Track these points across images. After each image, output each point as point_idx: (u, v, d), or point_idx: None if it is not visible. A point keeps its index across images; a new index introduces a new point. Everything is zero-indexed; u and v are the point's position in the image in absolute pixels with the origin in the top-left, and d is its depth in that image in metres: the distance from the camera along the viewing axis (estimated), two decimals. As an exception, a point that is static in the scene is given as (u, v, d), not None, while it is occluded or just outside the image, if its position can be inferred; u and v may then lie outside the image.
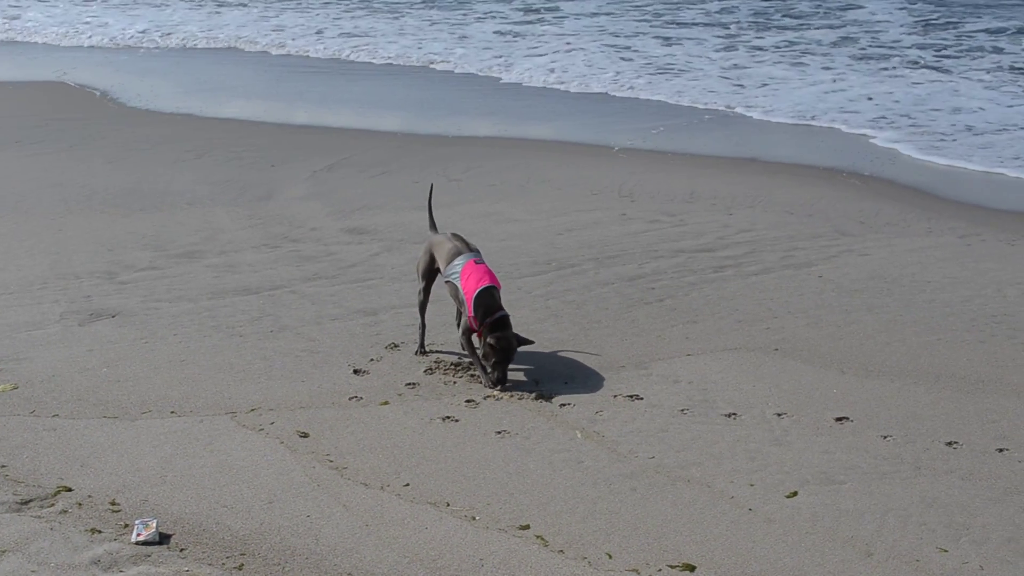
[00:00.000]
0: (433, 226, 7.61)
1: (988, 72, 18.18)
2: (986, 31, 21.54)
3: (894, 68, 18.86)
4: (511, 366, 6.76)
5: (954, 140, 14.22)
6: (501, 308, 6.76)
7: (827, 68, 18.95)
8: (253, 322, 7.78)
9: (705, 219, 10.69)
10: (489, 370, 6.70)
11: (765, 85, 17.85)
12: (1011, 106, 15.88)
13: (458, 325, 7.17)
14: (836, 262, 9.27)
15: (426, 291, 7.31)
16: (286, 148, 14.32)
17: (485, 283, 6.76)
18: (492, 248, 9.60)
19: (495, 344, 6.62)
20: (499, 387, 6.65)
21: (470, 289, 6.76)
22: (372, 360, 7.09)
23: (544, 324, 7.77)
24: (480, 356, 6.83)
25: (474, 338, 6.87)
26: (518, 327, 7.58)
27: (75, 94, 19.27)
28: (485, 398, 6.53)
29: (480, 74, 19.46)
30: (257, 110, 17.25)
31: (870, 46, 20.80)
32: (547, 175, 12.71)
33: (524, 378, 6.83)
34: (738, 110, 16.35)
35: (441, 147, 14.35)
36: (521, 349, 6.81)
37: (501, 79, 18.98)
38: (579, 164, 13.30)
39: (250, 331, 7.61)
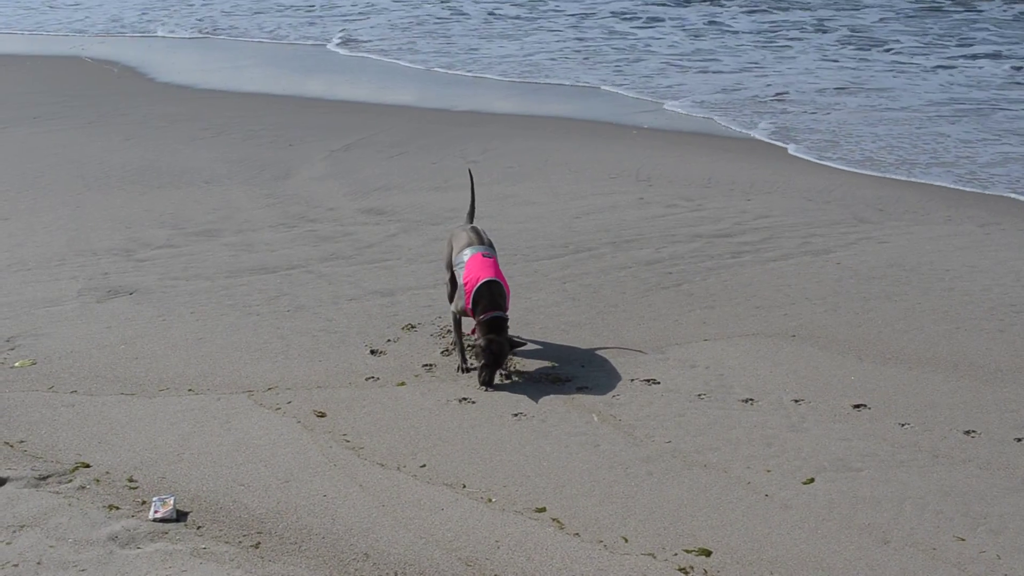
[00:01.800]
0: (470, 218, 7.44)
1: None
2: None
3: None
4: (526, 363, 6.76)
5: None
6: (500, 308, 6.58)
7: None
8: (270, 301, 7.79)
9: (723, 204, 10.65)
10: (479, 370, 6.52)
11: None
12: None
13: (450, 300, 7.11)
14: (854, 249, 9.22)
15: (453, 282, 7.11)
16: (303, 127, 14.32)
17: (489, 276, 6.61)
18: (509, 231, 9.60)
19: (487, 347, 6.45)
20: (484, 387, 6.49)
21: (472, 279, 6.61)
22: (389, 341, 7.10)
23: (561, 307, 7.76)
24: (462, 340, 6.76)
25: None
26: (535, 309, 7.60)
27: (92, 70, 19.30)
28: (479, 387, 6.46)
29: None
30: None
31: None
32: (564, 158, 12.68)
33: (541, 361, 6.81)
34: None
35: (458, 128, 14.33)
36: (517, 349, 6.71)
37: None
38: (596, 147, 13.26)
39: (267, 310, 7.61)
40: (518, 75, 18.35)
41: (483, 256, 6.76)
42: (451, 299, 7.10)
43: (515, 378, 6.56)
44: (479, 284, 6.56)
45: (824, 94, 16.35)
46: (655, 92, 16.86)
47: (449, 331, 7.12)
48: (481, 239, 6.98)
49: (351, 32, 23.15)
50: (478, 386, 6.49)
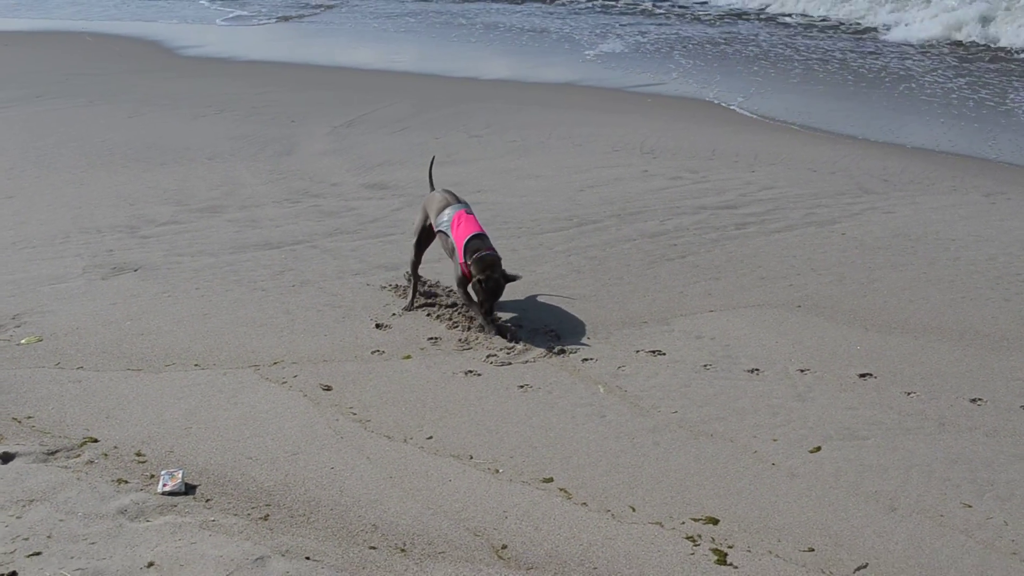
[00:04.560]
0: (432, 186, 7.70)
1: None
2: None
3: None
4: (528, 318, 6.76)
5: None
6: (492, 249, 6.83)
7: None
8: (275, 276, 7.78)
9: (727, 176, 10.62)
10: (479, 305, 6.76)
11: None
12: None
13: (412, 268, 7.33)
14: (859, 219, 9.21)
15: (418, 247, 7.32)
16: (305, 104, 14.30)
17: (475, 230, 6.87)
18: (513, 204, 9.59)
19: (483, 283, 6.68)
20: (489, 322, 6.78)
21: (461, 236, 6.86)
22: (394, 315, 7.09)
23: (566, 280, 7.75)
24: (478, 307, 6.88)
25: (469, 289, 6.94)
26: (540, 282, 7.61)
27: (94, 48, 19.25)
28: (501, 349, 6.51)
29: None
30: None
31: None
32: (568, 131, 12.65)
33: (546, 333, 6.81)
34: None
35: (461, 103, 14.29)
36: (516, 289, 7.01)
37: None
38: (600, 121, 13.23)
39: (272, 285, 7.61)
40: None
41: (465, 213, 7.01)
42: (414, 267, 7.33)
43: (520, 347, 6.55)
44: (467, 239, 6.81)
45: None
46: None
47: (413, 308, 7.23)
48: (458, 198, 7.22)
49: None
50: (480, 323, 6.76)
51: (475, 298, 6.83)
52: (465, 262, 6.79)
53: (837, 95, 15.28)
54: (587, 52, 18.65)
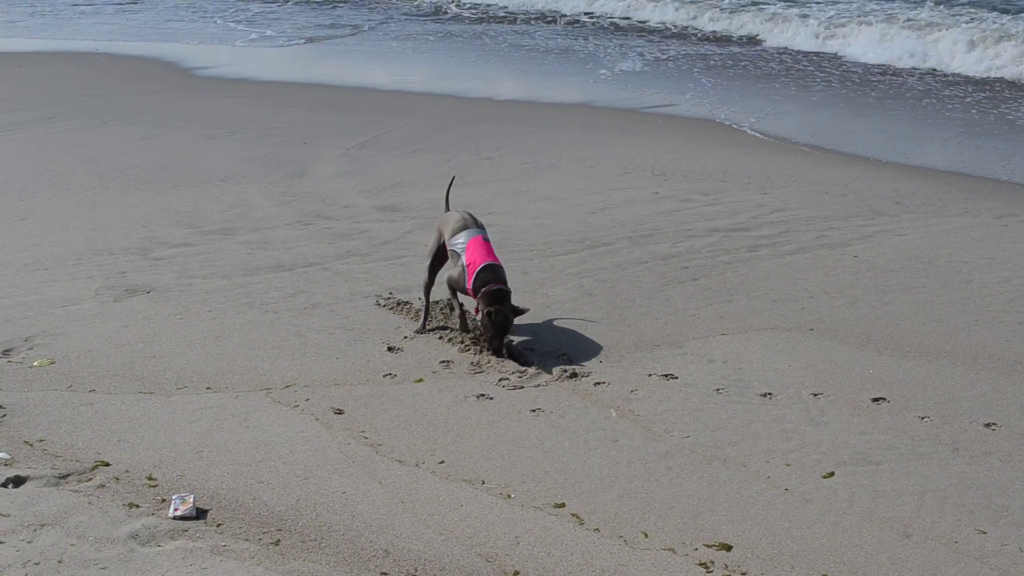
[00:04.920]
0: (447, 207, 7.76)
1: None
2: None
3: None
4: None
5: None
6: (503, 283, 6.85)
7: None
8: (287, 299, 7.79)
9: (739, 198, 10.61)
10: (488, 341, 6.79)
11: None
12: None
13: (424, 289, 7.37)
14: (871, 242, 9.19)
15: (432, 268, 7.35)
16: (317, 126, 14.33)
17: (490, 260, 6.89)
18: (525, 226, 9.58)
19: (491, 316, 6.69)
20: (465, 326, 7.09)
21: (474, 262, 6.88)
22: (406, 338, 7.09)
23: (578, 302, 7.74)
24: (460, 306, 7.12)
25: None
26: (552, 305, 7.61)
27: (107, 69, 19.34)
28: (513, 373, 6.49)
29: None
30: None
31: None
32: (579, 153, 12.66)
33: (558, 357, 6.80)
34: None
35: (472, 126, 14.31)
36: (528, 313, 6.96)
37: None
38: (611, 143, 13.23)
39: (284, 308, 7.61)
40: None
41: (483, 240, 7.02)
42: (427, 289, 7.34)
43: (532, 371, 6.54)
44: (482, 266, 6.81)
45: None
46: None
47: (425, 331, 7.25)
48: (476, 222, 7.21)
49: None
50: (461, 325, 7.03)
51: (483, 331, 6.85)
52: (473, 288, 6.82)
53: (854, 114, 15.26)
54: (602, 71, 18.66)
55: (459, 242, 7.06)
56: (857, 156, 12.76)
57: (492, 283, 6.78)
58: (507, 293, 6.79)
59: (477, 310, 6.83)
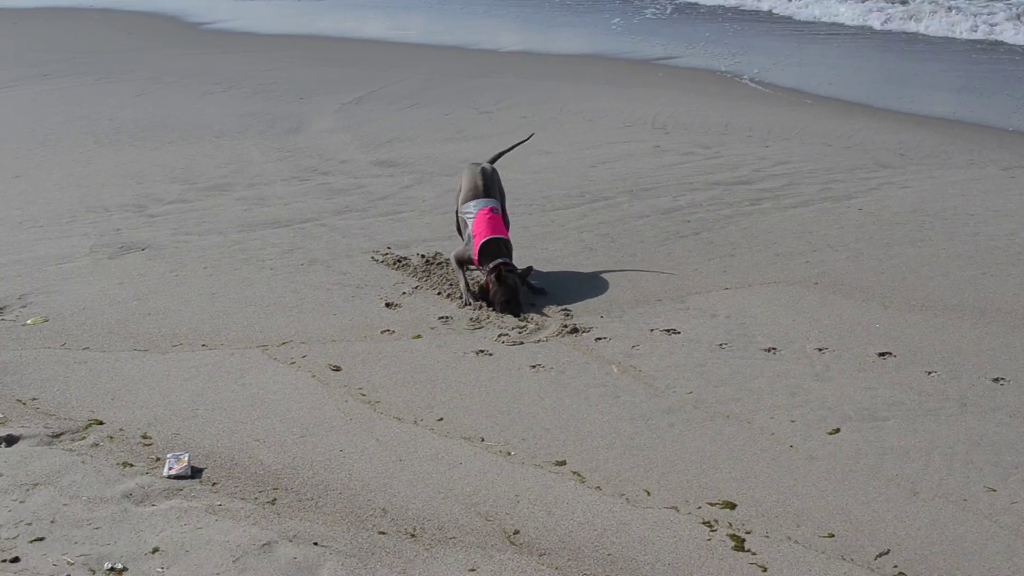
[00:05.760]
0: (492, 160, 7.66)
1: None
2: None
3: None
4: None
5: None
6: (507, 257, 6.83)
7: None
8: (283, 255, 7.68)
9: (741, 151, 10.49)
10: (499, 307, 6.67)
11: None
12: None
13: (460, 234, 7.31)
14: (876, 195, 9.07)
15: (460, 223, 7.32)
16: (314, 81, 14.17)
17: (496, 235, 6.86)
18: (524, 181, 9.46)
19: (502, 281, 6.64)
20: (470, 297, 6.83)
21: (480, 233, 6.87)
22: (404, 294, 6.98)
23: (578, 257, 7.63)
24: (466, 276, 6.96)
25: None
26: (552, 260, 7.52)
27: (101, 25, 19.13)
28: (512, 328, 6.40)
29: None
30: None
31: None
32: (579, 107, 12.51)
33: (558, 312, 6.69)
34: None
35: (472, 79, 14.15)
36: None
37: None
38: (611, 96, 13.08)
39: (280, 264, 7.50)
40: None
41: (490, 211, 7.00)
42: (461, 234, 7.29)
43: (532, 326, 6.45)
44: (486, 239, 6.79)
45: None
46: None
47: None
48: (487, 189, 7.16)
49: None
50: (463, 298, 6.80)
51: (492, 297, 6.76)
52: (478, 260, 6.83)
53: (859, 64, 15.08)
54: (616, 21, 18.38)
55: (469, 211, 7.07)
56: (860, 106, 12.61)
57: (497, 257, 6.77)
58: (512, 268, 6.74)
59: (486, 284, 6.77)
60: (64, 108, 12.60)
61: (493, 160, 7.61)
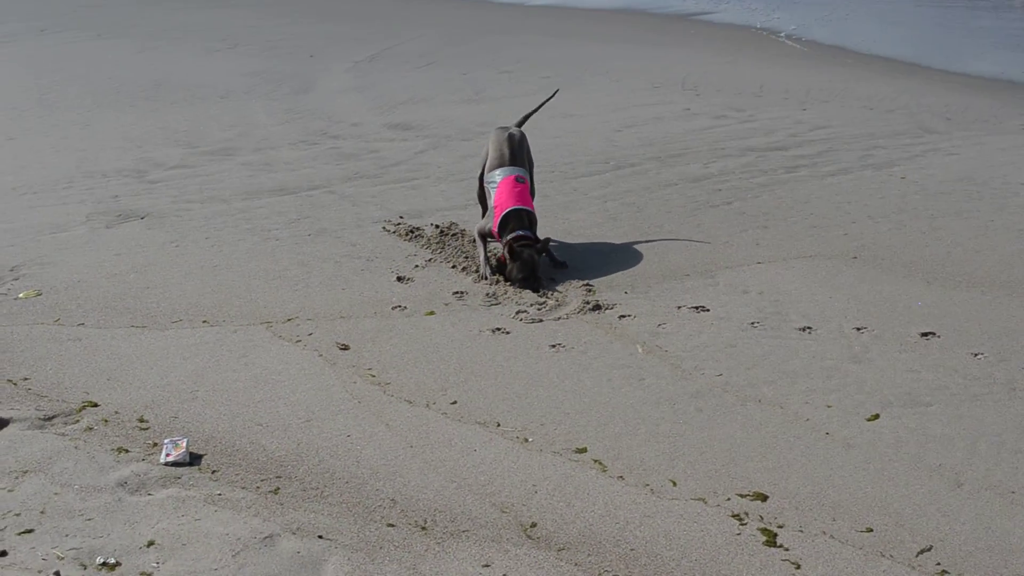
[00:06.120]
0: (519, 123, 7.59)
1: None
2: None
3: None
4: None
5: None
6: (529, 230, 6.78)
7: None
8: (290, 224, 7.63)
9: (776, 114, 10.38)
10: (516, 283, 6.63)
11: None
12: None
13: (482, 205, 7.28)
14: (920, 162, 8.96)
15: (484, 193, 7.28)
16: (326, 37, 14.09)
17: (519, 205, 6.81)
18: (545, 145, 9.38)
19: (517, 255, 6.59)
20: (488, 271, 6.78)
21: (502, 204, 6.82)
22: (417, 267, 6.93)
23: (602, 228, 7.56)
24: (486, 251, 6.90)
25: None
26: (574, 231, 7.46)
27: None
28: (531, 305, 6.34)
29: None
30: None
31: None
32: (605, 66, 12.40)
33: (580, 287, 6.63)
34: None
35: (490, 36, 14.04)
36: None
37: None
38: (639, 55, 12.96)
39: (287, 234, 7.45)
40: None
41: (516, 180, 6.92)
42: (483, 205, 7.26)
43: (552, 302, 6.38)
44: (508, 210, 6.74)
45: None
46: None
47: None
48: (515, 156, 7.07)
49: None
50: (483, 280, 6.71)
51: (507, 274, 6.72)
52: (498, 232, 6.78)
53: (905, 19, 14.90)
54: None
55: (492, 181, 7.02)
56: (906, 65, 12.45)
57: (518, 230, 6.71)
58: (532, 240, 6.69)
59: (503, 258, 6.73)
60: (61, 65, 12.57)
61: (520, 123, 7.53)
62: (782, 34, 14.22)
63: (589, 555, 4.21)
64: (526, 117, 7.67)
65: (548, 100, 7.92)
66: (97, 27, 14.77)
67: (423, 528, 4.34)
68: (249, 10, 16.10)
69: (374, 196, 8.22)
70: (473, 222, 7.48)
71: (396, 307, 6.39)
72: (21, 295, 6.51)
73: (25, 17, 15.46)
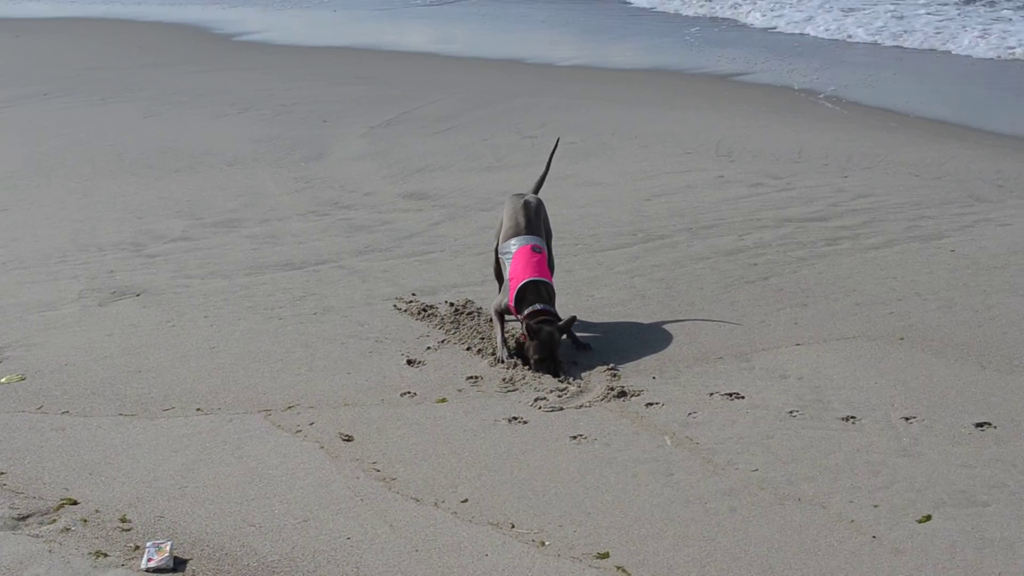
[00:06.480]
0: (535, 188, 7.55)
1: None
2: None
3: None
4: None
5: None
6: (547, 304, 6.71)
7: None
8: (295, 302, 7.54)
9: (816, 182, 10.32)
10: (533, 365, 6.50)
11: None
12: None
13: (498, 280, 7.24)
14: (971, 233, 8.86)
15: (499, 264, 7.25)
16: (340, 100, 14.15)
17: (536, 276, 6.74)
18: (570, 216, 9.31)
19: (536, 333, 6.47)
20: (506, 354, 6.66)
21: (518, 276, 6.75)
22: (429, 348, 6.80)
23: (629, 306, 7.45)
24: (503, 331, 6.78)
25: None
26: (599, 309, 7.36)
27: (113, 36, 19.27)
28: (551, 391, 6.19)
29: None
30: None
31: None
32: (634, 130, 12.37)
33: (604, 371, 6.48)
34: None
35: (514, 99, 14.06)
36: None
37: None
38: (670, 118, 12.94)
39: (290, 313, 7.36)
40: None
41: (532, 250, 6.87)
42: (499, 279, 7.21)
43: (573, 389, 6.23)
44: (525, 282, 6.68)
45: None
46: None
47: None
48: (531, 224, 7.02)
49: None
50: (499, 362, 6.60)
51: (526, 354, 6.60)
52: (515, 307, 6.70)
53: (953, 81, 14.84)
54: (692, 29, 18.25)
55: (509, 250, 6.96)
56: (954, 127, 12.35)
57: (536, 304, 6.65)
58: (552, 315, 6.62)
59: (523, 336, 6.61)
60: (63, 131, 12.63)
61: (536, 188, 7.45)
62: (821, 96, 14.17)
63: (610, 678, 4.01)
64: (541, 181, 7.60)
65: (553, 153, 7.84)
66: (103, 91, 14.89)
67: (426, 646, 4.16)
68: (262, 73, 16.21)
69: (385, 271, 8.13)
70: (490, 299, 7.36)
71: (405, 393, 6.25)
72: (3, 380, 6.41)
73: (29, 81, 15.62)
